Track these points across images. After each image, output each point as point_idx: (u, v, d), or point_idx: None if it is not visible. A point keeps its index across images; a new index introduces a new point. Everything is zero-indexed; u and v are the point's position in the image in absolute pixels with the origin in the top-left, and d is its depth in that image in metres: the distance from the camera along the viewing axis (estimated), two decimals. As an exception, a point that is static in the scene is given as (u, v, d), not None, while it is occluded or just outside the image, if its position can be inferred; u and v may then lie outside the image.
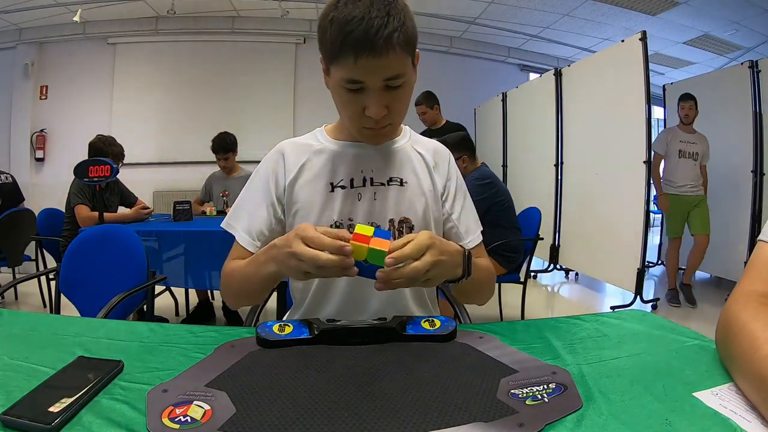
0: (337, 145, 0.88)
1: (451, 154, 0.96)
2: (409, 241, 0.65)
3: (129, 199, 2.96)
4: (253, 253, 0.83)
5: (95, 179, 2.39)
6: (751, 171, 3.43)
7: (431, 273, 0.65)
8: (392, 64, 0.70)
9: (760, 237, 0.62)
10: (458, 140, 2.60)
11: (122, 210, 2.88)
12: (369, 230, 0.64)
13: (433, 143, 0.95)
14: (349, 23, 0.67)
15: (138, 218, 2.70)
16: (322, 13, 0.72)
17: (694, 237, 3.43)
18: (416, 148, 0.92)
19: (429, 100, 3.39)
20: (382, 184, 0.86)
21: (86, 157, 2.65)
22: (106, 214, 2.54)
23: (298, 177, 0.86)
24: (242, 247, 0.85)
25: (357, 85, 0.72)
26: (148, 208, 2.81)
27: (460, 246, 0.75)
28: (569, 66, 4.06)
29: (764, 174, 3.40)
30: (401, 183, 0.87)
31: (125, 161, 2.86)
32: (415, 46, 0.75)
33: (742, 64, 3.52)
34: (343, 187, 0.85)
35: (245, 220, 0.86)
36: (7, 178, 3.55)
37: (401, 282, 0.64)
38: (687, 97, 3.38)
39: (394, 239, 0.84)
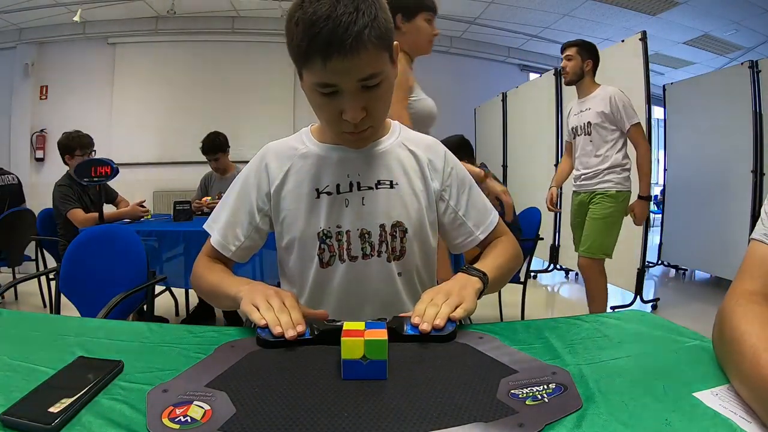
0: (322, 148, 0.84)
1: (446, 148, 0.91)
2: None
3: (111, 195, 2.97)
4: (224, 256, 0.86)
5: (95, 179, 2.39)
6: (751, 171, 3.43)
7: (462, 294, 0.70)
8: (366, 64, 0.65)
9: (753, 236, 0.62)
10: (455, 143, 2.60)
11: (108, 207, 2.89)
12: (359, 325, 0.58)
13: (426, 139, 0.91)
14: (314, 24, 0.62)
15: (135, 214, 2.71)
16: (287, 14, 0.67)
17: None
18: (407, 146, 0.87)
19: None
20: (370, 188, 0.82)
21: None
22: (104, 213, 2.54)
23: (284, 184, 0.84)
24: (215, 249, 0.86)
25: (330, 89, 0.68)
26: (145, 206, 2.81)
27: (462, 271, 0.78)
28: (569, 66, 4.05)
29: (764, 174, 3.40)
30: (391, 185, 0.83)
31: (124, 161, 2.87)
32: (391, 40, 0.70)
33: (742, 64, 3.52)
34: (329, 193, 0.82)
35: (223, 222, 0.86)
36: (12, 179, 3.56)
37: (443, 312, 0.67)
38: (564, 46, 2.36)
39: (387, 244, 0.83)
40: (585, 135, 2.32)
